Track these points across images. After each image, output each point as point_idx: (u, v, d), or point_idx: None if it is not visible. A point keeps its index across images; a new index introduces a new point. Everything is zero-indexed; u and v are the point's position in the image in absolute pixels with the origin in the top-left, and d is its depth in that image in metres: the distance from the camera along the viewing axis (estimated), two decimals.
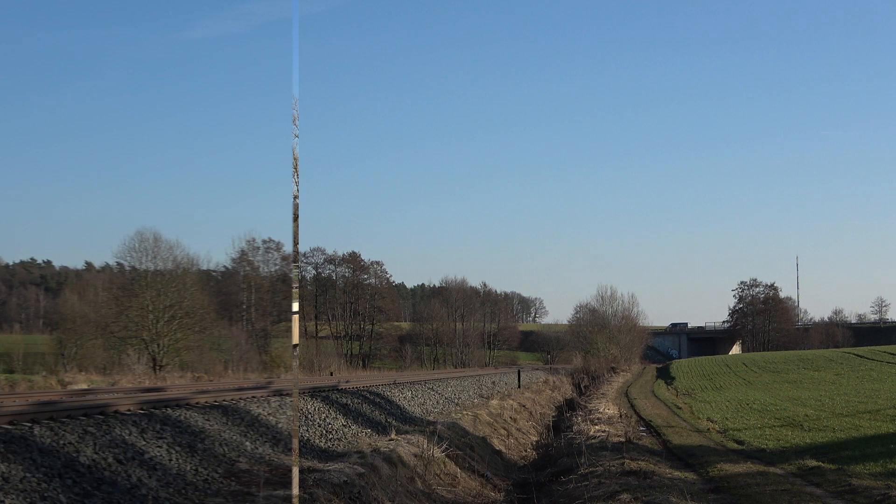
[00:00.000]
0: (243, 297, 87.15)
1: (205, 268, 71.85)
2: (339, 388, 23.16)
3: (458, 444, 20.83)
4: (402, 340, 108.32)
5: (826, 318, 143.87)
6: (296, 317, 6.71)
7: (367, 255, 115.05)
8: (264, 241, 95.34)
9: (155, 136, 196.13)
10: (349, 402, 20.83)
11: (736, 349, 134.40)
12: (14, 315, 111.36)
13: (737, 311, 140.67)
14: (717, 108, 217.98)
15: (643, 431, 26.71)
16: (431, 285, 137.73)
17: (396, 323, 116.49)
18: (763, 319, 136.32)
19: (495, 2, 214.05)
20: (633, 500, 12.47)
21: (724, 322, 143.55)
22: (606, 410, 32.68)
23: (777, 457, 18.95)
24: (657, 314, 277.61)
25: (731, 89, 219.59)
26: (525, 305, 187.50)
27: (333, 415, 18.71)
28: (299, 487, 11.21)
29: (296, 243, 5.90)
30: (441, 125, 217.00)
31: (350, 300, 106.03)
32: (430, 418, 24.26)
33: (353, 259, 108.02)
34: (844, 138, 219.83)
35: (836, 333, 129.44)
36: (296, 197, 5.57)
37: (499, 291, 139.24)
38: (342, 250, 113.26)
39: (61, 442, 9.94)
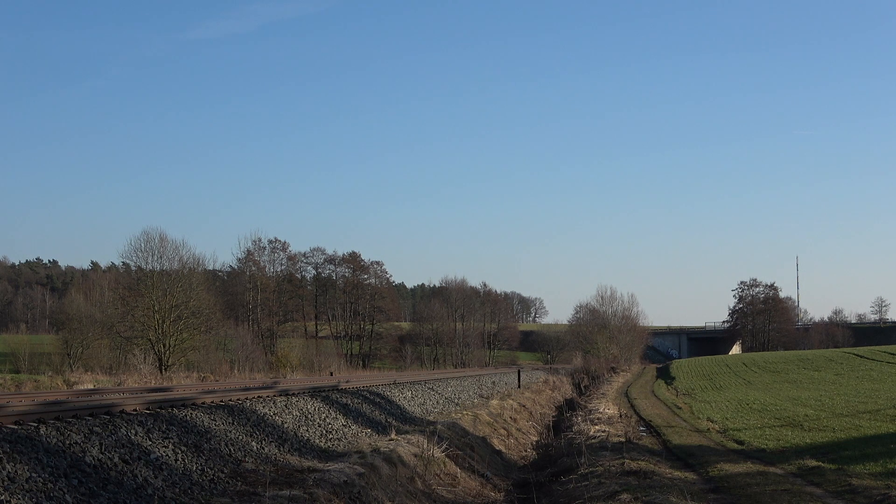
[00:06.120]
0: (249, 297, 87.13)
1: (211, 268, 71.84)
2: (340, 388, 23.22)
3: (458, 444, 20.91)
4: (402, 340, 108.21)
5: (826, 318, 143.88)
6: None
7: (367, 255, 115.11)
8: (270, 242, 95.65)
9: (159, 136, 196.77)
10: (349, 402, 20.89)
11: (736, 349, 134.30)
12: (20, 315, 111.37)
13: (737, 311, 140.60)
14: (716, 108, 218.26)
15: (643, 431, 26.78)
16: (431, 285, 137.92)
17: (396, 323, 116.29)
18: (763, 319, 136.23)
19: (495, 2, 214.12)
20: (633, 500, 12.54)
21: (724, 322, 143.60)
22: (606, 410, 32.75)
23: (777, 457, 19.00)
24: (657, 314, 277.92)
25: (731, 89, 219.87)
26: (525, 305, 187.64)
27: (333, 415, 18.77)
28: (299, 487, 11.32)
29: None
30: (441, 125, 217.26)
31: (350, 300, 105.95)
32: (430, 418, 24.33)
33: (353, 259, 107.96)
34: (845, 138, 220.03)
35: (836, 333, 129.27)
36: None
37: (499, 291, 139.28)
38: (342, 250, 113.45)
39: (67, 442, 9.99)
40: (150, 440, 11.41)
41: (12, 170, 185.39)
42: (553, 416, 37.69)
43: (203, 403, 14.96)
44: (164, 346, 48.78)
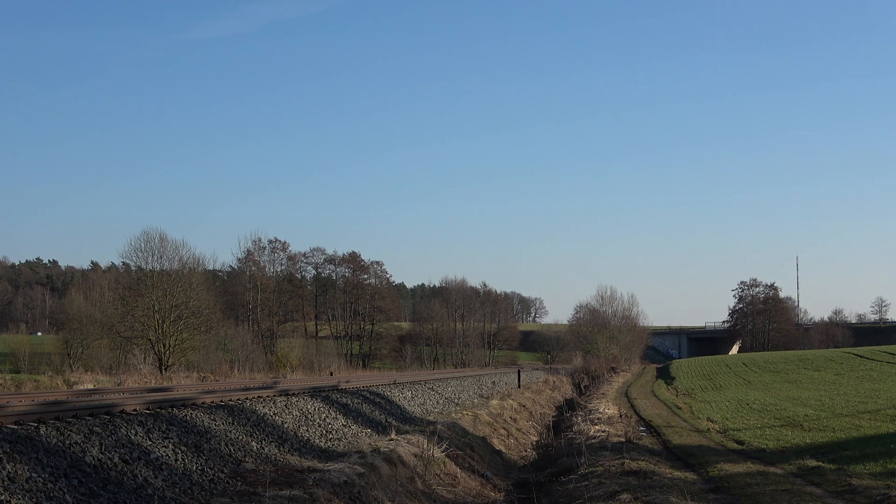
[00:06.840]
0: (249, 297, 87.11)
1: (211, 268, 71.80)
2: (340, 388, 23.22)
3: (458, 444, 20.90)
4: (402, 340, 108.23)
5: (826, 318, 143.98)
6: None
7: (367, 255, 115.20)
8: (270, 242, 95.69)
9: (159, 136, 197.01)
10: (349, 402, 20.89)
11: (736, 349, 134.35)
12: (20, 315, 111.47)
13: (737, 311, 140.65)
14: (716, 108, 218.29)
15: (643, 431, 26.78)
16: (431, 285, 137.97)
17: (396, 323, 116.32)
18: (763, 319, 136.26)
19: (495, 2, 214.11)
20: (633, 500, 12.54)
21: (724, 322, 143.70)
22: (606, 410, 32.75)
23: (777, 457, 19.00)
24: (657, 314, 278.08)
25: (731, 89, 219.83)
26: (525, 305, 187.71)
27: (333, 415, 18.77)
28: (299, 487, 11.31)
29: None
30: (441, 125, 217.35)
31: (350, 300, 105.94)
32: (430, 418, 24.32)
33: (353, 259, 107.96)
34: (845, 138, 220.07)
35: (836, 333, 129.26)
36: None
37: (499, 291, 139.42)
38: (342, 250, 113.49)
39: (67, 442, 9.98)
40: (150, 440, 11.40)
41: (12, 170, 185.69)
42: (553, 416, 37.67)
43: (203, 403, 14.95)
44: (164, 346, 48.76)
